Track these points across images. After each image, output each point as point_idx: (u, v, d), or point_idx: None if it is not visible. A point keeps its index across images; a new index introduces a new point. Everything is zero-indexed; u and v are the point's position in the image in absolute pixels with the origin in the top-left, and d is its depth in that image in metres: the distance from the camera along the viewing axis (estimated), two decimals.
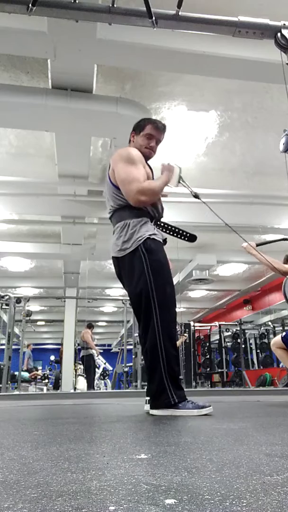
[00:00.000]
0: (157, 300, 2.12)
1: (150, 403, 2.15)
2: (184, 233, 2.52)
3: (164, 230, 2.47)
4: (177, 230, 2.52)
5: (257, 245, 3.63)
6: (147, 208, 2.33)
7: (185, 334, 10.41)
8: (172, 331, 2.17)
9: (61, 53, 3.64)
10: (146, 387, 2.41)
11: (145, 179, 2.25)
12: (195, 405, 2.02)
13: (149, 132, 2.43)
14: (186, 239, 2.52)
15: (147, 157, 2.44)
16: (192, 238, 2.52)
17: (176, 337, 2.24)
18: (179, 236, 2.51)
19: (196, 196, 2.49)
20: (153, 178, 2.41)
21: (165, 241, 2.39)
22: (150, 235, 2.22)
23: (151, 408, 2.11)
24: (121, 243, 2.24)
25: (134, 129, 2.50)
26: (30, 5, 2.52)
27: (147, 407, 2.28)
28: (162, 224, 2.47)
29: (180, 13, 2.69)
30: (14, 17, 2.91)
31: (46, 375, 12.13)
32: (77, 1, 2.63)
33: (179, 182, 2.45)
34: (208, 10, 2.88)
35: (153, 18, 2.65)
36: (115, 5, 2.67)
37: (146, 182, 2.22)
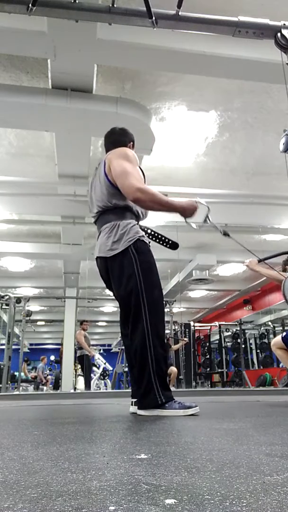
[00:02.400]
0: (146, 301, 2.12)
1: (137, 403, 2.15)
2: (167, 240, 2.48)
3: (147, 235, 2.46)
4: (160, 236, 2.49)
5: (259, 260, 3.66)
6: (137, 209, 2.31)
7: (185, 338, 10.41)
8: (161, 331, 2.17)
9: (61, 53, 3.64)
10: (131, 389, 2.40)
11: (141, 177, 2.23)
12: (181, 405, 2.02)
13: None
14: (168, 246, 2.49)
15: None
16: (174, 246, 2.48)
17: (164, 337, 2.23)
18: (161, 242, 2.49)
19: (226, 234, 2.48)
20: (144, 182, 2.37)
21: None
22: (140, 236, 2.22)
23: (138, 408, 2.11)
24: (111, 243, 2.22)
25: (133, 140, 2.51)
26: (30, 5, 2.53)
27: (132, 408, 2.26)
28: (145, 230, 2.45)
29: (180, 13, 2.70)
30: (14, 17, 2.92)
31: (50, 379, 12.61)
32: (77, 1, 2.63)
33: (205, 222, 2.42)
34: (208, 10, 2.89)
35: (153, 18, 2.66)
36: (115, 5, 2.68)
37: (147, 186, 2.20)
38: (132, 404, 2.30)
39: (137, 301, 2.13)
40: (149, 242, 2.37)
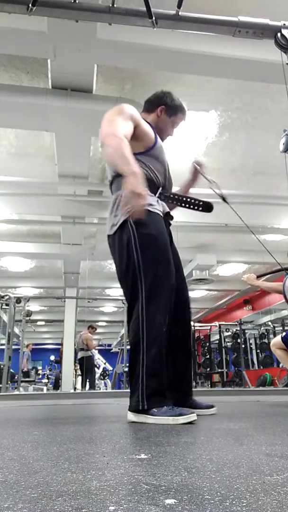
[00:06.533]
0: (144, 283, 1.77)
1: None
2: (197, 202, 2.09)
3: (171, 202, 2.11)
4: (188, 199, 2.10)
5: (258, 276, 3.83)
6: (149, 174, 1.99)
7: None
8: (159, 323, 1.76)
9: (61, 53, 3.64)
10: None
11: (126, 132, 1.83)
12: (173, 411, 1.65)
13: (178, 122, 2.33)
14: (200, 209, 2.10)
15: (164, 138, 2.29)
16: (207, 207, 2.09)
17: (164, 329, 1.78)
18: (191, 206, 2.11)
19: (224, 199, 2.38)
20: (155, 142, 2.12)
21: (168, 215, 2.04)
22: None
23: (128, 409, 1.79)
24: (113, 217, 1.92)
25: (166, 103, 2.25)
26: (30, 5, 2.52)
27: None
28: (168, 195, 2.10)
29: (180, 13, 2.69)
30: (14, 17, 2.91)
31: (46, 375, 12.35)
32: (77, 1, 2.63)
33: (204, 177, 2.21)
34: (208, 10, 2.88)
35: (153, 18, 2.65)
36: (115, 5, 2.67)
37: (123, 135, 1.78)
38: None
39: (133, 283, 1.79)
40: (169, 212, 2.04)
